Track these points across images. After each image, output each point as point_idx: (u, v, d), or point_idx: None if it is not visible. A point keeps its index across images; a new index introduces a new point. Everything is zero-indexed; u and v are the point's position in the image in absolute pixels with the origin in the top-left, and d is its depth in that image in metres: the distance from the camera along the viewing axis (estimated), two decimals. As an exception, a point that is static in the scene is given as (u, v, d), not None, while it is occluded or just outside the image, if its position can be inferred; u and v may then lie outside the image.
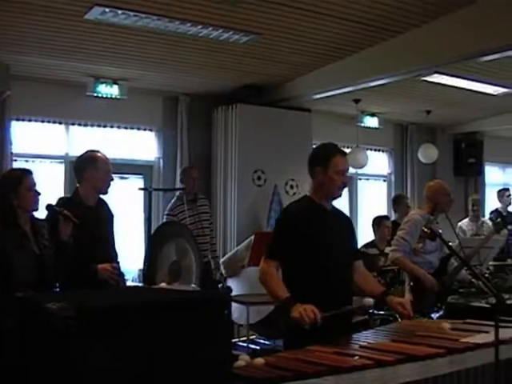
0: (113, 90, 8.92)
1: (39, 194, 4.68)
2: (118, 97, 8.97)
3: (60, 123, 9.06)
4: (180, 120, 9.84)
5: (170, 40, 7.40)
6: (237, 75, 9.04)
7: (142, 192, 8.79)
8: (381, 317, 7.08)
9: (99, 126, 9.35)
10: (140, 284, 7.70)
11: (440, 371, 3.34)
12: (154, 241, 6.11)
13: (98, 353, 2.38)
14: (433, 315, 6.08)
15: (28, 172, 4.70)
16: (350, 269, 4.46)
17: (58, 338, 2.37)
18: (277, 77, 9.23)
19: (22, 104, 8.29)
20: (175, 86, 9.55)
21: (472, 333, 3.91)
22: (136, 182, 9.50)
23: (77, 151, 6.75)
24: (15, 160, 8.31)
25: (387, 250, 7.44)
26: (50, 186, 8.31)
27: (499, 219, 8.72)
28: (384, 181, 12.83)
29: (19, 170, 4.92)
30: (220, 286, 8.15)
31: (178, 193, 8.50)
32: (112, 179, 5.37)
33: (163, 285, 5.28)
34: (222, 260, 8.68)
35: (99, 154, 5.37)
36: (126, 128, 9.62)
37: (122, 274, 5.47)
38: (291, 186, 9.94)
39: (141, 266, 7.45)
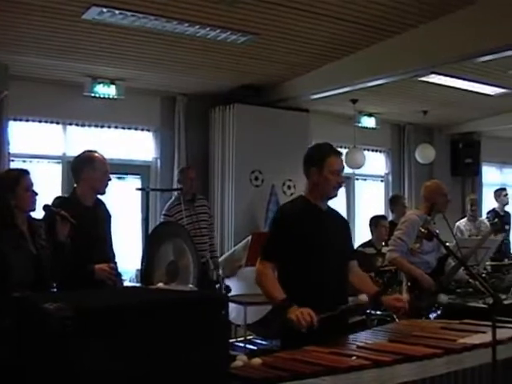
0: (110, 90, 8.91)
1: (36, 194, 4.67)
2: (116, 97, 8.96)
3: (57, 123, 9.06)
4: (177, 120, 9.84)
5: (167, 40, 7.39)
6: (234, 75, 9.04)
7: (139, 192, 8.77)
8: (378, 317, 7.09)
9: (97, 126, 9.34)
10: (137, 284, 7.70)
11: (437, 371, 3.35)
12: (152, 241, 6.11)
13: (94, 353, 2.38)
14: (430, 315, 6.09)
15: (25, 172, 4.70)
16: (345, 269, 4.47)
17: (55, 338, 2.37)
18: (274, 77, 9.24)
19: (20, 104, 8.28)
20: (172, 86, 9.55)
21: (469, 333, 3.92)
22: (133, 182, 9.50)
23: (74, 151, 6.74)
24: (12, 160, 8.31)
25: (384, 249, 7.45)
26: (48, 186, 8.29)
27: (496, 219, 8.73)
28: (381, 181, 12.84)
29: (16, 170, 4.91)
30: (217, 286, 8.14)
31: (176, 193, 8.51)
32: (109, 179, 5.37)
33: (160, 285, 5.28)
34: (219, 260, 8.68)
35: (97, 154, 5.36)
36: (123, 128, 9.62)
37: (119, 275, 5.46)
38: (288, 187, 9.95)
39: (138, 266, 7.46)
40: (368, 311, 7.15)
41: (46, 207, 4.83)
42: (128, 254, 8.03)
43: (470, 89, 9.76)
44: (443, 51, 7.23)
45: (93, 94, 8.84)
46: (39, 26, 6.79)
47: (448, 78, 9.07)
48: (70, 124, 9.13)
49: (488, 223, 10.12)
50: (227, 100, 9.73)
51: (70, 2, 6.23)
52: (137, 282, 7.99)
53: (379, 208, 11.93)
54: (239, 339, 8.19)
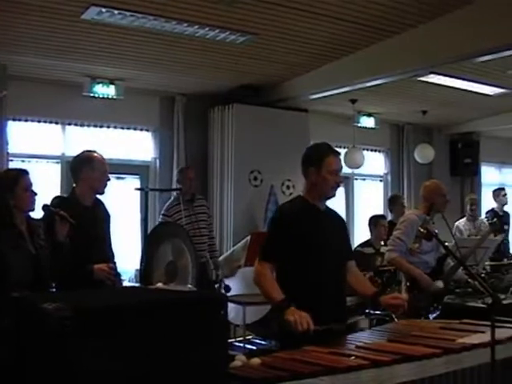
0: (109, 90, 8.91)
1: (35, 194, 4.68)
2: (115, 97, 8.96)
3: (56, 123, 9.05)
4: (176, 120, 9.84)
5: (166, 40, 7.40)
6: (233, 75, 9.04)
7: (138, 192, 8.77)
8: (377, 317, 7.09)
9: (96, 126, 9.34)
10: (136, 284, 7.70)
11: (436, 371, 3.35)
12: (151, 241, 6.11)
13: (93, 353, 2.38)
14: (429, 315, 6.09)
15: (24, 172, 4.70)
16: (343, 269, 4.46)
17: (54, 338, 2.37)
18: (273, 77, 9.24)
19: (19, 104, 8.28)
20: (172, 86, 9.55)
21: (468, 333, 3.92)
22: (132, 182, 9.50)
23: (73, 151, 6.74)
24: (11, 160, 8.31)
25: (383, 249, 7.45)
26: (47, 186, 8.30)
27: (495, 219, 8.73)
28: (380, 181, 12.85)
29: (15, 170, 4.91)
30: (217, 286, 8.14)
31: (175, 193, 8.50)
32: (108, 179, 5.37)
33: (159, 285, 5.27)
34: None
35: (95, 154, 5.37)
36: (122, 128, 9.62)
37: (118, 275, 5.46)
38: (288, 187, 9.95)
39: (137, 266, 7.45)
40: (367, 311, 7.16)
41: (45, 207, 4.83)
42: (127, 253, 8.04)
43: (469, 89, 9.77)
44: (442, 51, 7.23)
45: (92, 94, 8.84)
46: (38, 26, 6.79)
47: (447, 78, 9.07)
48: (69, 124, 9.13)
49: (487, 223, 10.12)
50: (226, 100, 9.73)
51: (69, 1, 6.23)
52: (136, 282, 7.99)
53: (378, 208, 11.93)
54: (238, 339, 8.19)
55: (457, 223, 10.42)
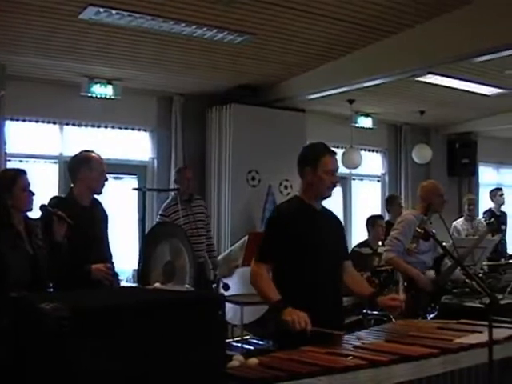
0: (107, 90, 8.91)
1: (33, 194, 4.68)
2: (112, 97, 8.96)
3: (54, 123, 9.05)
4: (174, 120, 9.84)
5: (164, 40, 7.40)
6: (231, 75, 9.04)
7: (136, 192, 8.78)
8: (374, 317, 7.09)
9: (93, 126, 9.34)
10: (134, 284, 7.70)
11: (434, 371, 3.35)
12: (148, 241, 6.10)
13: (92, 353, 2.38)
14: (427, 315, 6.10)
15: (22, 172, 4.70)
16: (339, 269, 4.46)
17: (52, 338, 2.37)
18: (271, 77, 9.24)
19: (17, 104, 8.28)
20: (169, 86, 9.55)
21: (466, 333, 3.92)
22: (130, 183, 9.47)
23: (71, 151, 6.74)
24: (9, 160, 8.30)
25: (381, 249, 7.45)
26: (44, 186, 8.29)
27: (493, 219, 8.73)
28: (378, 181, 12.85)
29: (13, 170, 4.92)
30: (215, 285, 8.14)
31: (172, 193, 8.50)
32: (106, 179, 5.37)
33: (157, 285, 5.27)
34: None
35: (93, 154, 5.36)
36: (120, 128, 9.62)
37: (116, 275, 5.47)
38: (285, 187, 9.96)
39: (135, 266, 7.45)
40: (364, 311, 7.16)
41: (42, 207, 4.83)
42: (125, 254, 8.03)
43: (467, 89, 9.77)
44: (440, 51, 7.24)
45: (90, 94, 8.84)
46: (36, 26, 6.79)
47: (445, 78, 9.07)
48: (67, 124, 9.13)
49: (485, 223, 10.12)
50: (224, 100, 9.73)
51: (67, 1, 6.23)
52: (133, 282, 7.99)
53: (376, 208, 11.92)
54: (236, 339, 8.19)
55: (454, 223, 10.42)
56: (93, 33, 7.08)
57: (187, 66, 8.48)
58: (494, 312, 3.51)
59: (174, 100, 9.85)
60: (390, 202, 9.89)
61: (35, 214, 4.83)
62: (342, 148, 11.07)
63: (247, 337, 8.53)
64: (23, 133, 8.75)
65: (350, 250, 8.36)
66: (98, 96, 8.90)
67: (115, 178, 8.93)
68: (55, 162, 9.04)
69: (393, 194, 11.17)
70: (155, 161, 9.94)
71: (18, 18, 6.55)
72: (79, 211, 5.11)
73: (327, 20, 7.01)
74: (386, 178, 12.83)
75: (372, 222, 8.68)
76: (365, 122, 11.72)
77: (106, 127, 9.46)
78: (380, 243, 8.26)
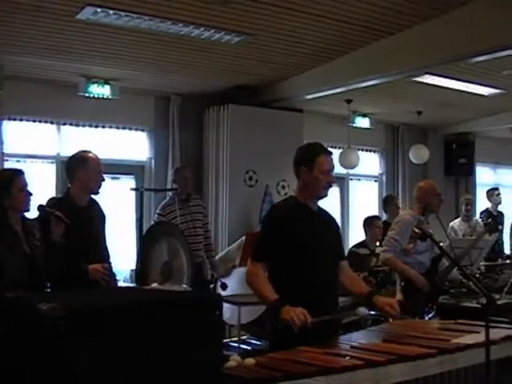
0: (104, 90, 8.90)
1: (31, 194, 4.67)
2: (110, 97, 8.95)
3: (52, 123, 9.04)
4: (172, 120, 9.83)
5: (161, 40, 7.39)
6: (228, 75, 9.04)
7: (133, 192, 8.78)
8: (372, 317, 7.09)
9: (91, 126, 9.33)
10: (132, 284, 7.70)
11: (431, 371, 3.36)
12: (146, 241, 6.11)
13: (90, 353, 2.38)
14: (424, 315, 6.10)
15: (20, 172, 4.70)
16: (336, 269, 4.46)
17: (50, 338, 2.37)
18: (268, 77, 9.24)
19: (14, 104, 8.27)
20: (167, 86, 9.54)
21: (463, 333, 3.93)
22: (127, 183, 9.49)
23: (68, 151, 6.73)
24: (6, 160, 8.31)
25: (378, 250, 7.45)
26: (42, 186, 8.28)
27: (490, 220, 8.74)
28: (375, 181, 12.86)
29: (11, 170, 4.92)
30: (212, 286, 8.14)
31: (170, 193, 8.50)
32: (103, 179, 5.37)
33: (155, 285, 5.28)
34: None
35: (90, 155, 5.36)
36: (117, 128, 9.61)
37: (113, 275, 5.47)
38: (283, 187, 9.95)
39: (133, 266, 7.46)
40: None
41: (40, 207, 4.83)
42: (122, 254, 8.03)
43: (464, 89, 9.78)
44: (437, 52, 7.24)
45: (87, 94, 8.82)
46: (34, 26, 6.78)
47: (442, 79, 9.08)
48: (64, 124, 9.11)
49: (482, 223, 10.14)
50: (221, 100, 9.73)
51: (65, 1, 6.22)
52: (131, 282, 7.99)
53: (373, 208, 11.94)
54: (233, 339, 8.19)
55: (451, 223, 10.43)
56: (90, 33, 7.07)
57: (185, 66, 8.48)
58: (491, 312, 3.51)
59: (171, 100, 9.84)
60: (388, 203, 9.90)
61: (33, 214, 4.83)
62: (339, 148, 11.07)
63: (244, 337, 8.53)
64: (20, 133, 8.73)
65: (347, 251, 8.39)
66: (96, 96, 8.88)
67: (113, 178, 8.95)
68: (52, 162, 9.02)
69: (390, 194, 11.17)
70: (153, 161, 9.93)
71: (16, 18, 6.54)
72: (76, 211, 5.11)
73: (325, 20, 7.02)
74: (384, 178, 12.84)
75: (369, 222, 8.69)
76: (362, 122, 11.72)
77: (103, 127, 9.45)
78: (377, 243, 8.26)
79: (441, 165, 13.22)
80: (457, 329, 4.13)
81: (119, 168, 9.30)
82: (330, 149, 4.53)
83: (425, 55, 7.42)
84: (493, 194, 11.13)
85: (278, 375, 2.96)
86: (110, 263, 5.38)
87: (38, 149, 8.93)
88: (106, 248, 5.48)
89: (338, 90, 8.98)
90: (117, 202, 8.72)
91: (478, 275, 7.78)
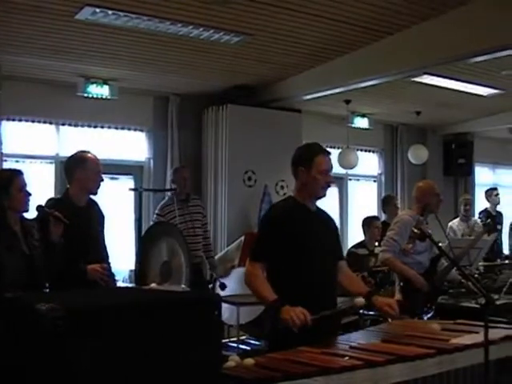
0: (103, 91, 8.89)
1: (30, 194, 4.67)
2: (109, 97, 8.94)
3: (50, 123, 9.04)
4: (170, 120, 9.83)
5: (160, 40, 7.39)
6: (227, 76, 9.04)
7: (132, 192, 8.76)
8: (371, 317, 7.09)
9: (89, 126, 9.33)
10: (131, 284, 7.70)
11: (429, 371, 3.36)
12: (145, 241, 6.10)
13: (88, 353, 2.38)
14: (423, 316, 6.10)
15: (19, 172, 4.69)
16: (334, 269, 4.46)
17: (49, 338, 2.37)
18: (267, 77, 9.24)
19: (13, 104, 8.28)
20: (165, 87, 9.54)
21: (462, 333, 3.93)
22: (126, 183, 9.47)
23: (67, 151, 6.74)
24: (5, 160, 8.31)
25: (377, 250, 7.45)
26: (41, 186, 8.28)
27: (489, 220, 8.74)
28: (374, 181, 12.86)
29: (10, 170, 4.91)
30: (211, 286, 8.14)
31: (169, 193, 8.50)
32: (102, 180, 5.36)
33: (153, 285, 5.28)
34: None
35: (89, 155, 5.36)
36: (116, 128, 9.61)
37: (112, 275, 5.47)
38: (281, 187, 9.95)
39: (131, 266, 7.45)
40: (361, 311, 7.16)
41: (39, 208, 4.82)
42: (121, 254, 8.02)
43: (463, 89, 9.78)
44: (436, 52, 7.24)
45: (86, 94, 8.82)
46: (32, 26, 6.78)
47: (441, 79, 9.08)
48: (63, 124, 9.11)
49: (481, 224, 10.14)
50: (220, 100, 9.73)
51: (64, 2, 6.22)
52: (130, 282, 7.99)
53: (372, 208, 11.94)
54: (232, 339, 8.20)
55: (450, 223, 10.43)
56: (89, 33, 7.07)
57: (183, 67, 8.48)
58: (489, 312, 3.51)
59: (170, 100, 9.84)
60: (386, 203, 9.89)
61: (31, 214, 4.82)
62: (338, 148, 11.09)
63: (243, 337, 8.54)
64: (19, 133, 8.73)
65: (346, 251, 8.40)
66: (95, 96, 8.88)
67: (111, 178, 8.94)
68: (51, 163, 9.02)
69: (389, 194, 11.17)
70: (151, 161, 9.93)
71: (14, 18, 6.53)
72: (75, 211, 5.11)
73: (323, 20, 7.02)
74: (383, 179, 12.84)
75: (368, 222, 8.69)
76: (361, 123, 11.71)
77: (102, 127, 9.45)
78: (376, 244, 8.26)
79: (440, 165, 13.22)
80: (456, 329, 4.13)
81: (118, 168, 9.30)
82: (328, 149, 4.54)
83: (423, 55, 7.42)
84: (491, 194, 11.13)
85: (277, 375, 2.96)
86: (108, 263, 5.37)
87: (36, 149, 8.92)
88: (105, 248, 5.48)
89: (337, 91, 8.98)
90: (116, 202, 8.71)
91: (476, 275, 7.79)
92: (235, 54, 8.00)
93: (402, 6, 6.74)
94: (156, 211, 8.16)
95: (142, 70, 8.57)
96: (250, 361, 3.20)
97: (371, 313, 7.03)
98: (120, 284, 7.15)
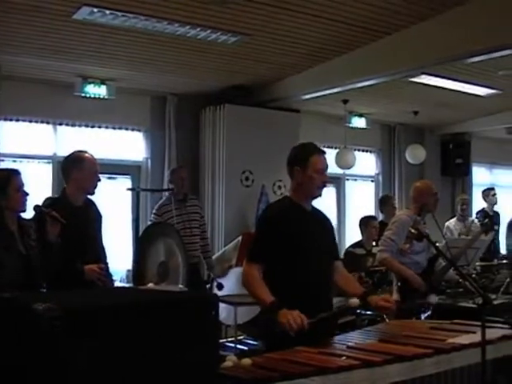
0: (101, 90, 8.89)
1: (27, 194, 4.67)
2: (106, 97, 8.94)
3: (48, 123, 9.03)
4: (168, 120, 9.83)
5: (158, 40, 7.39)
6: (225, 76, 9.04)
7: (129, 192, 8.77)
8: (368, 317, 7.10)
9: (87, 126, 9.32)
10: (128, 284, 7.70)
11: (427, 371, 3.36)
12: (143, 241, 6.10)
13: (86, 353, 2.38)
14: (421, 315, 6.10)
15: (16, 172, 4.69)
16: (330, 269, 4.46)
17: (46, 338, 2.37)
18: (265, 77, 9.24)
19: (10, 104, 8.27)
20: (163, 86, 9.54)
21: (459, 333, 3.93)
22: (124, 183, 9.47)
23: (65, 151, 6.72)
24: (3, 160, 8.30)
25: (374, 250, 7.46)
26: (38, 186, 8.27)
27: (487, 220, 8.75)
28: (372, 181, 12.85)
29: (7, 170, 4.90)
30: (208, 286, 8.14)
31: (167, 193, 8.50)
32: (99, 180, 5.36)
33: (151, 285, 5.28)
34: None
35: (86, 155, 5.35)
36: (113, 128, 9.60)
37: (110, 275, 5.47)
38: (279, 187, 9.94)
39: (129, 266, 7.45)
40: (358, 311, 7.16)
41: (36, 208, 4.82)
42: (118, 254, 8.03)
43: (461, 90, 9.78)
44: (433, 52, 7.24)
45: (83, 94, 8.82)
46: (30, 26, 6.78)
47: (438, 79, 9.08)
48: (61, 124, 9.10)
49: (478, 224, 10.14)
50: (218, 100, 9.73)
51: (61, 1, 6.22)
52: (127, 282, 7.99)
53: (369, 208, 11.92)
54: (229, 339, 8.19)
55: (447, 223, 10.42)
56: (87, 33, 7.07)
57: (181, 67, 8.48)
58: (487, 312, 3.51)
59: (167, 100, 9.84)
60: (384, 203, 9.89)
61: (29, 214, 4.82)
62: (335, 148, 11.09)
63: (241, 337, 8.53)
64: (17, 133, 8.72)
65: (343, 251, 8.41)
66: (92, 96, 8.87)
67: (109, 178, 8.94)
68: (49, 162, 9.01)
69: (386, 194, 11.17)
70: (149, 161, 9.93)
71: (12, 18, 6.53)
72: (72, 211, 5.11)
73: (321, 20, 7.02)
74: (380, 179, 12.83)
75: (365, 222, 8.69)
76: (359, 123, 11.72)
77: (99, 127, 9.44)
78: (374, 243, 8.27)
79: (437, 165, 13.23)
80: (453, 329, 4.13)
81: (115, 168, 9.29)
82: (326, 149, 4.55)
83: (421, 55, 7.43)
84: (488, 194, 11.13)
85: (274, 375, 2.96)
86: (106, 263, 5.38)
87: (34, 149, 8.92)
88: (103, 248, 5.48)
89: (335, 90, 8.98)
90: (113, 202, 8.71)
91: (474, 275, 7.79)
92: (233, 53, 8.00)
93: (400, 6, 6.74)
94: (153, 211, 8.15)
95: (139, 69, 8.56)
96: (247, 361, 3.20)
97: (368, 312, 7.04)
98: (117, 284, 7.14)
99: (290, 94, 9.53)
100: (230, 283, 7.91)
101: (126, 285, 7.80)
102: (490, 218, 10.06)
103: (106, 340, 2.45)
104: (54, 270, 4.72)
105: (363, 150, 12.51)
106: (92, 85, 8.80)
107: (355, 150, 11.64)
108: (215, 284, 7.49)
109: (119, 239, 8.66)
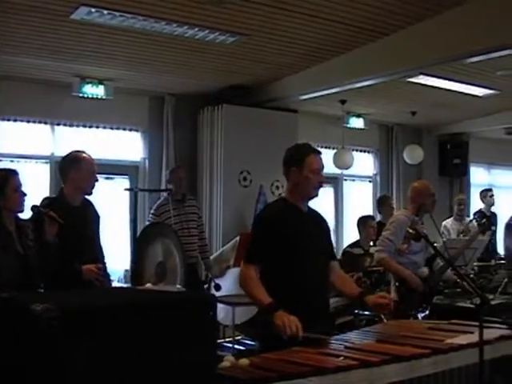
0: (98, 91, 8.89)
1: (25, 194, 4.66)
2: (104, 97, 8.94)
3: (46, 123, 9.02)
4: (166, 120, 9.83)
5: (155, 40, 7.39)
6: (223, 76, 9.04)
7: (127, 192, 8.77)
8: (366, 317, 7.10)
9: (85, 126, 9.32)
10: (126, 284, 7.69)
11: (425, 372, 3.36)
12: (141, 241, 6.10)
13: (84, 353, 2.38)
14: (418, 315, 6.11)
15: (14, 172, 4.69)
16: (326, 269, 4.46)
17: (44, 338, 2.37)
18: (263, 77, 9.24)
19: (8, 104, 8.28)
20: (161, 87, 9.54)
21: (457, 333, 3.93)
22: (122, 183, 9.46)
23: (62, 151, 6.71)
24: (0, 160, 8.29)
25: (372, 250, 7.46)
26: (36, 186, 8.26)
27: (484, 220, 8.75)
28: (369, 181, 12.86)
29: (5, 170, 4.89)
30: (206, 286, 8.13)
31: (165, 193, 8.49)
32: (96, 180, 5.36)
33: (149, 285, 5.27)
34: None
35: (84, 155, 5.35)
36: (111, 128, 9.59)
37: (107, 275, 5.47)
38: (277, 187, 9.94)
39: (127, 266, 7.45)
40: (356, 311, 7.17)
41: (34, 208, 4.82)
42: (116, 254, 8.02)
43: (459, 90, 9.79)
44: (431, 52, 7.24)
45: (81, 94, 8.81)
46: (28, 26, 6.77)
47: (436, 79, 9.09)
48: (59, 124, 9.10)
49: (476, 224, 10.14)
50: (216, 100, 9.73)
51: (59, 2, 6.21)
52: (125, 282, 7.99)
53: (367, 208, 11.92)
54: (227, 339, 8.19)
55: (444, 223, 10.43)
56: (84, 33, 7.06)
57: (179, 67, 8.48)
58: (484, 312, 3.51)
59: (165, 100, 9.84)
60: (382, 203, 9.90)
61: (26, 214, 4.82)
62: (333, 148, 11.08)
63: (239, 337, 8.53)
64: (14, 133, 8.72)
65: (341, 251, 8.41)
66: (90, 96, 8.87)
67: (107, 178, 8.93)
68: (46, 163, 9.01)
69: (384, 194, 11.18)
70: (147, 161, 9.92)
71: (10, 18, 6.52)
72: (70, 211, 5.11)
73: (318, 21, 7.02)
74: (378, 179, 12.84)
75: (363, 222, 8.69)
76: (356, 123, 11.72)
77: (97, 127, 9.44)
78: (371, 243, 8.27)
79: (435, 165, 13.24)
80: (451, 329, 4.13)
81: (113, 168, 9.28)
82: (324, 149, 4.56)
83: (419, 56, 7.43)
84: (486, 195, 11.13)
85: (272, 375, 2.95)
86: (104, 263, 5.38)
87: (32, 149, 8.91)
88: (101, 248, 5.48)
89: (333, 91, 8.98)
90: (111, 202, 8.71)
91: (472, 275, 7.79)
92: (230, 54, 8.00)
93: (398, 6, 6.74)
94: (151, 211, 8.14)
95: (137, 69, 8.56)
96: (244, 361, 3.20)
97: (366, 313, 7.04)
98: (115, 284, 7.14)
99: (287, 94, 9.53)
100: (227, 283, 7.91)
101: (124, 285, 7.80)
102: (487, 219, 10.07)
103: (104, 340, 2.45)
104: (51, 270, 4.72)
105: (361, 151, 12.51)
106: (90, 85, 8.80)
107: (353, 150, 11.64)
108: (213, 285, 7.48)
109: (117, 239, 8.66)
